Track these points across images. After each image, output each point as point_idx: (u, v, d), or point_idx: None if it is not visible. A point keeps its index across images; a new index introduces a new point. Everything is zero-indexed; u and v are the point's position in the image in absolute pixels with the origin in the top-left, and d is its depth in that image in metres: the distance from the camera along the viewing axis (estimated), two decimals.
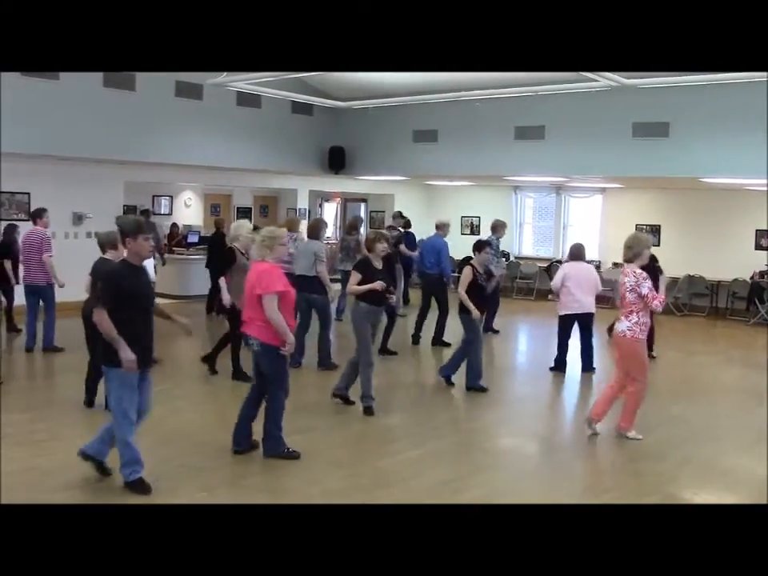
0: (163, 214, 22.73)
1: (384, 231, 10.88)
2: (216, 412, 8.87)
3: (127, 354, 5.96)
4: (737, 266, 17.06)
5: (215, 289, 14.02)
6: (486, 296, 10.24)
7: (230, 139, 16.43)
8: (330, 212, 25.63)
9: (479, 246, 10.02)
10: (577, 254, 11.26)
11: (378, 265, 8.79)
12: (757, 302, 16.50)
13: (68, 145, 13.80)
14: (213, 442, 7.48)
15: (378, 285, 8.53)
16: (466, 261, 10.08)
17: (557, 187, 20.54)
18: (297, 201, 20.38)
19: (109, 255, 8.29)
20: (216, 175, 18.69)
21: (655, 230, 19.15)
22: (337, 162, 18.42)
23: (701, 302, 17.83)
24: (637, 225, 19.37)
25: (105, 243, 8.45)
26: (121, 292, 6.01)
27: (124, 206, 16.76)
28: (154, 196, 22.39)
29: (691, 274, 17.71)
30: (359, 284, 8.59)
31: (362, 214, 23.72)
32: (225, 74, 13.25)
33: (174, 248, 19.48)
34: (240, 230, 10.08)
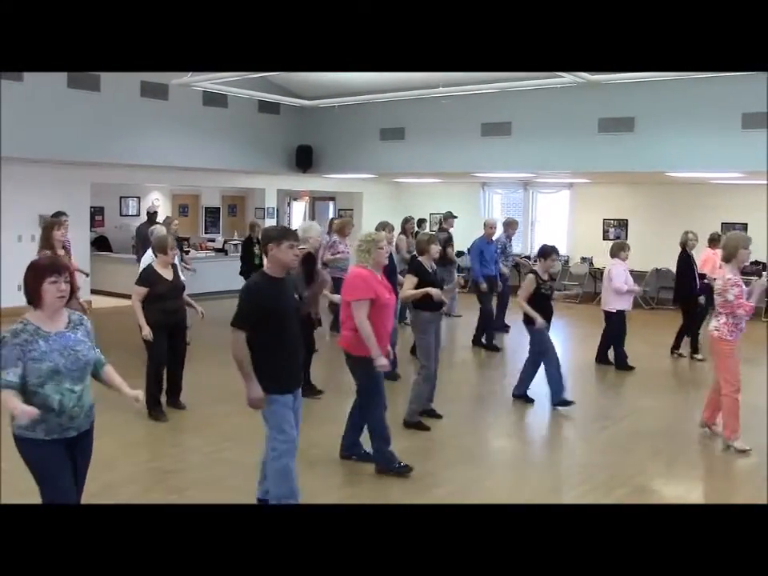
0: (131, 216, 22.58)
1: (433, 233, 10.47)
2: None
3: (255, 390, 5.40)
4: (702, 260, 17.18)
5: None
6: (551, 304, 9.51)
7: (196, 139, 16.35)
8: (298, 211, 25.58)
9: (545, 253, 9.42)
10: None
11: (431, 268, 8.36)
12: None
13: (33, 147, 13.65)
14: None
15: (435, 293, 7.99)
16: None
17: (524, 183, 20.62)
18: (265, 200, 20.31)
19: (157, 262, 8.55)
20: (183, 175, 18.60)
21: (623, 225, 19.30)
22: (304, 160, 18.39)
23: (669, 294, 17.95)
24: (604, 219, 19.53)
25: (155, 247, 8.68)
26: (261, 310, 5.35)
27: (91, 207, 16.64)
28: (121, 197, 22.21)
29: (659, 268, 17.85)
30: (415, 288, 8.11)
31: (331, 212, 23.72)
32: (190, 73, 13.17)
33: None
34: (310, 231, 9.21)
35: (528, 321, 9.28)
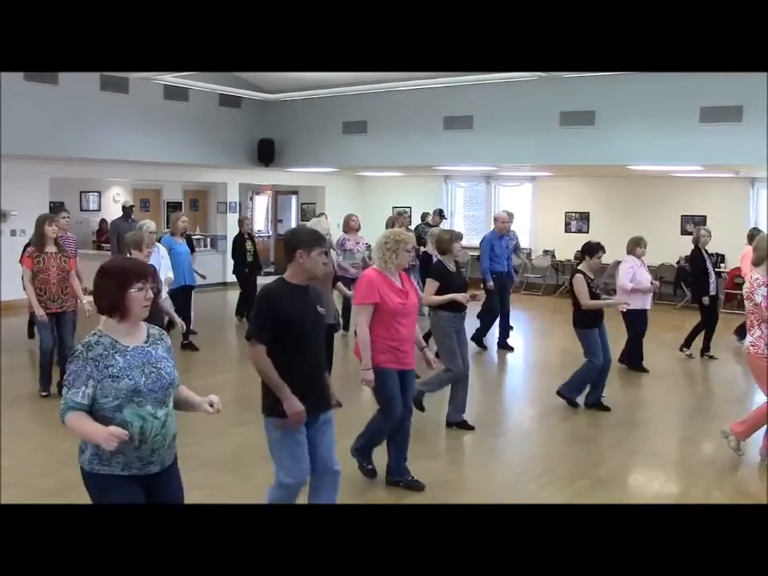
0: (92, 210, 22.40)
1: (453, 230, 9.29)
2: None
3: (293, 405, 4.74)
4: (664, 252, 17.37)
5: (246, 296, 13.76)
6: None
7: (157, 133, 16.21)
8: (260, 205, 25.48)
9: (590, 250, 8.96)
10: None
11: (453, 268, 7.95)
12: (683, 285, 16.81)
13: None
14: None
15: (462, 298, 7.58)
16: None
17: (487, 176, 20.70)
18: (227, 194, 20.23)
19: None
20: (145, 170, 18.44)
21: (584, 218, 19.46)
22: (266, 154, 18.30)
23: None
24: (566, 212, 19.67)
25: (129, 244, 8.32)
26: (279, 320, 4.76)
27: (50, 202, 16.47)
28: (81, 192, 22.02)
29: (620, 260, 17.96)
30: (437, 293, 7.70)
31: (294, 206, 23.66)
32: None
33: (102, 244, 19.24)
34: (316, 228, 8.65)
35: (582, 324, 8.87)
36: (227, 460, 7.01)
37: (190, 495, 6.08)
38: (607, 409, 8.87)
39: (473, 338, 12.30)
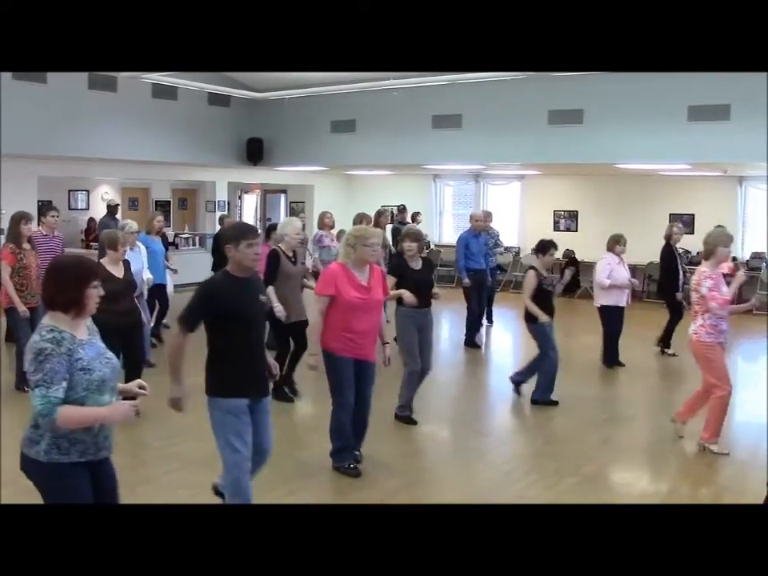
0: (80, 209, 22.33)
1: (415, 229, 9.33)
2: None
3: (173, 392, 5.14)
4: (652, 250, 17.36)
5: None
6: (552, 300, 9.15)
7: (146, 132, 16.18)
8: (249, 204, 25.46)
9: (543, 248, 9.12)
10: None
11: (417, 265, 8.08)
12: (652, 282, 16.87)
13: None
14: None
15: (407, 296, 7.61)
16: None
17: (475, 175, 20.73)
18: (216, 193, 20.19)
19: (106, 258, 8.10)
20: (133, 169, 18.39)
21: (573, 216, 19.49)
22: (255, 153, 18.28)
23: None
24: (555, 210, 19.70)
25: (105, 242, 8.23)
26: (220, 310, 5.02)
27: (39, 201, 16.40)
28: (69, 191, 21.96)
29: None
30: (397, 289, 7.75)
31: (282, 205, 23.64)
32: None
33: (91, 243, 19.18)
34: (286, 228, 8.88)
35: (530, 319, 8.99)
36: (211, 459, 6.99)
37: (175, 495, 6.11)
38: (555, 403, 9.00)
39: (466, 343, 12.38)
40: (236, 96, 16.89)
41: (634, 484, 6.94)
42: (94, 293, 3.88)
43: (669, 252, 11.91)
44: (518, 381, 9.37)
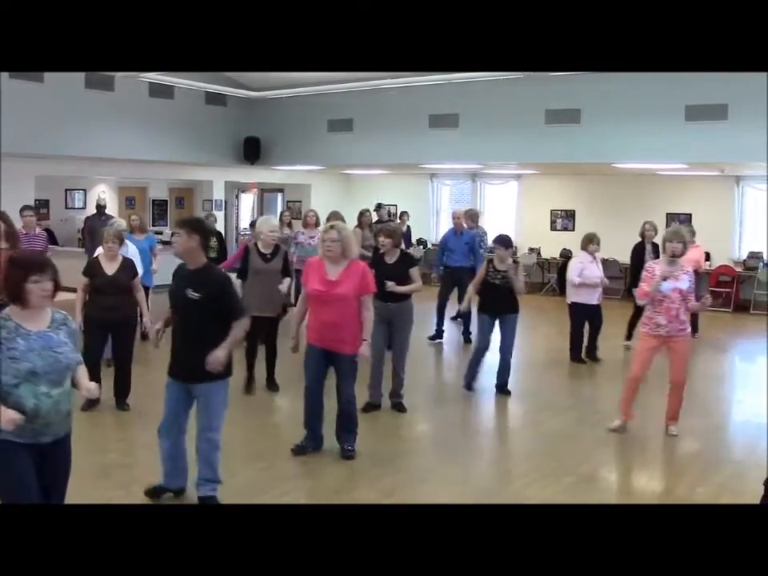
0: (77, 208, 22.32)
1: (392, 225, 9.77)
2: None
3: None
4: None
5: None
6: (498, 294, 9.29)
7: (143, 131, 16.17)
8: (246, 203, 25.42)
9: (504, 243, 9.51)
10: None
11: (391, 260, 8.35)
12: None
13: None
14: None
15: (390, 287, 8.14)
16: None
17: (472, 174, 20.72)
18: (213, 192, 20.19)
19: (102, 255, 8.29)
20: (130, 168, 18.40)
21: (570, 215, 19.48)
22: (252, 152, 18.28)
23: (615, 284, 18.08)
24: (552, 210, 19.70)
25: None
26: (169, 296, 5.89)
27: (36, 200, 16.40)
28: (66, 190, 21.96)
29: (605, 258, 18.00)
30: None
31: (279, 204, 23.62)
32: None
33: None
34: (262, 227, 9.08)
35: (480, 309, 9.31)
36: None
37: (170, 494, 6.10)
38: (507, 393, 9.35)
39: (431, 337, 12.56)
40: (233, 95, 16.88)
41: (631, 483, 6.95)
42: (33, 287, 4.15)
43: (639, 248, 12.33)
44: (468, 380, 9.55)
